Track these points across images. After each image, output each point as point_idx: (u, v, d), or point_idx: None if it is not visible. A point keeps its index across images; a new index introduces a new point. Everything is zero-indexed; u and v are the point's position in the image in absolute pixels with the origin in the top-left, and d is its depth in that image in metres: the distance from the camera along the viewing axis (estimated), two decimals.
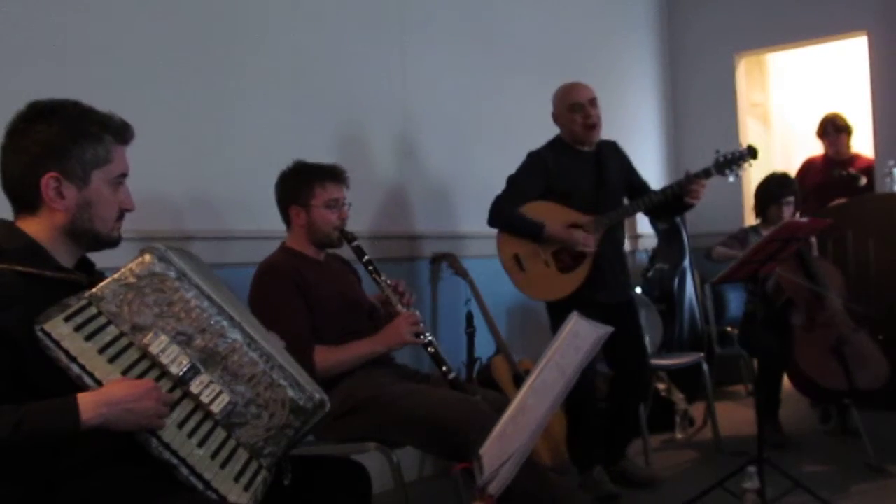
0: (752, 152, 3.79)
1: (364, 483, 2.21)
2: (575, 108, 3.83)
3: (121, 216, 1.90)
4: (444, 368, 2.90)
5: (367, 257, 3.07)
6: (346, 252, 3.22)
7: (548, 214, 3.78)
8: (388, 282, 3.05)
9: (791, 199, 4.69)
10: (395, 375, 3.00)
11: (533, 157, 3.90)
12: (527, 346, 4.70)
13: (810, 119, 6.30)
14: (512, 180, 3.87)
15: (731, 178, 3.83)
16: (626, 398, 4.02)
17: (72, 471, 1.67)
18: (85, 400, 1.60)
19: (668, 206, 3.92)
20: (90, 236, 1.84)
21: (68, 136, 1.78)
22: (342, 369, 2.90)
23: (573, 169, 3.86)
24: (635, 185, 4.02)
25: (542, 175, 3.83)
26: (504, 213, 3.80)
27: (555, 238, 3.75)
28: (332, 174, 3.10)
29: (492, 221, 3.85)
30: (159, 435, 1.67)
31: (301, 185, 3.08)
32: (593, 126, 3.84)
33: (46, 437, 1.58)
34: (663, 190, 3.84)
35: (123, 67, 3.10)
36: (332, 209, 3.06)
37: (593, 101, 3.86)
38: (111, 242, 1.89)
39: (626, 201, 4.00)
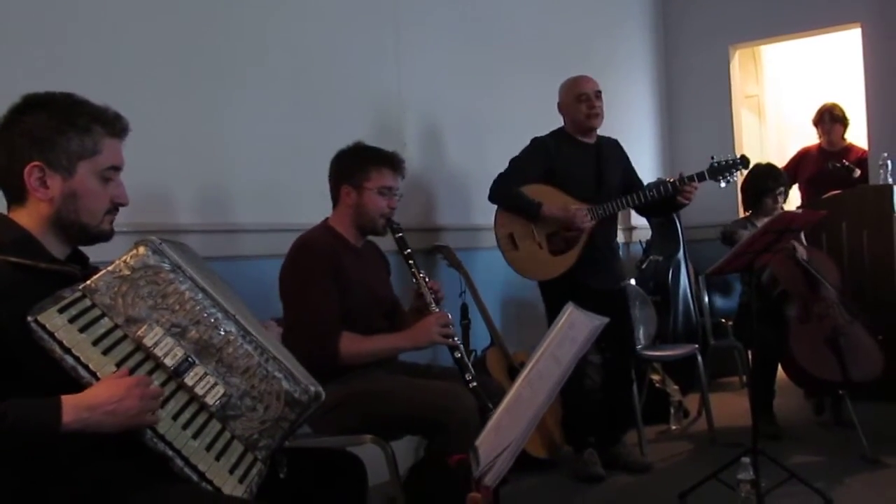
0: (744, 162, 4.00)
1: (359, 475, 2.20)
2: (581, 98, 3.99)
3: (112, 210, 1.87)
4: (467, 377, 2.84)
5: (408, 250, 3.05)
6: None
7: (546, 197, 3.91)
8: (426, 279, 3.03)
9: (782, 189, 4.72)
10: (390, 370, 3.00)
11: (536, 142, 4.04)
12: (521, 338, 4.69)
13: (804, 111, 6.32)
14: (514, 162, 4.00)
15: (723, 185, 4.00)
16: (612, 384, 4.15)
17: (67, 463, 1.66)
18: (68, 403, 1.58)
19: (660, 205, 4.06)
20: (77, 228, 1.82)
21: (54, 126, 1.77)
22: (365, 360, 2.89)
23: (574, 159, 4.00)
24: (632, 184, 4.14)
25: (543, 159, 3.97)
26: (504, 190, 3.93)
27: (550, 217, 3.89)
28: (391, 161, 3.08)
29: (492, 197, 3.98)
30: (154, 426, 1.66)
31: (358, 165, 3.06)
32: (596, 116, 3.99)
33: (27, 435, 1.56)
34: (657, 188, 3.97)
35: (122, 63, 3.07)
36: (383, 196, 3.04)
37: (598, 94, 4.04)
38: (101, 235, 1.86)
39: None
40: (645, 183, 4.28)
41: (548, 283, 4.01)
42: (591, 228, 3.90)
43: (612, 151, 4.15)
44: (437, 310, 2.96)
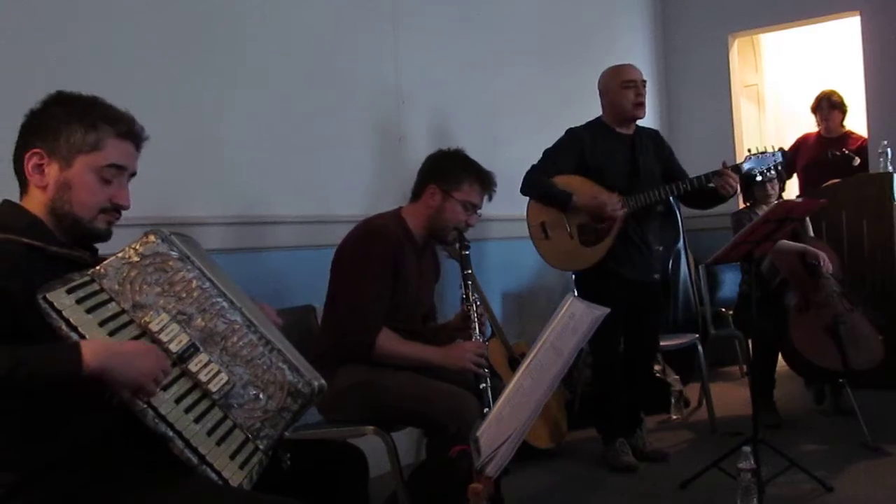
0: (783, 154, 3.95)
1: (361, 466, 2.21)
2: (628, 84, 3.93)
3: (111, 210, 1.84)
4: (485, 410, 2.79)
5: (469, 271, 3.04)
6: None
7: (577, 187, 3.87)
8: (477, 303, 3.03)
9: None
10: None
11: (570, 133, 4.00)
12: (522, 329, 4.70)
13: (803, 100, 6.31)
14: (547, 153, 3.97)
15: (759, 178, 3.99)
16: (633, 375, 4.11)
17: (64, 459, 1.66)
18: (87, 346, 1.58)
19: (700, 196, 3.98)
20: (70, 220, 1.80)
21: (62, 117, 1.79)
22: (395, 362, 2.89)
23: (608, 150, 3.95)
24: (674, 175, 4.03)
25: (576, 151, 3.93)
26: (536, 182, 3.91)
27: (583, 206, 3.83)
28: (486, 181, 3.10)
29: (524, 189, 3.96)
30: (156, 406, 1.66)
31: (454, 171, 3.07)
32: (642, 105, 3.95)
33: (46, 381, 1.55)
34: (691, 181, 3.89)
35: (122, 58, 3.06)
36: (466, 210, 3.06)
37: (644, 83, 3.99)
38: (94, 233, 1.84)
39: None
40: None
41: (581, 273, 4.01)
42: (623, 219, 3.82)
43: (650, 142, 4.07)
44: (479, 338, 2.96)
